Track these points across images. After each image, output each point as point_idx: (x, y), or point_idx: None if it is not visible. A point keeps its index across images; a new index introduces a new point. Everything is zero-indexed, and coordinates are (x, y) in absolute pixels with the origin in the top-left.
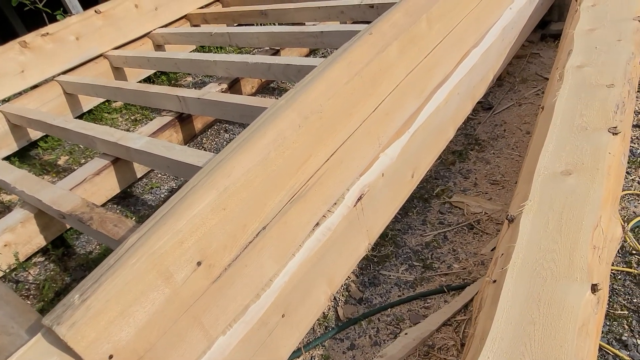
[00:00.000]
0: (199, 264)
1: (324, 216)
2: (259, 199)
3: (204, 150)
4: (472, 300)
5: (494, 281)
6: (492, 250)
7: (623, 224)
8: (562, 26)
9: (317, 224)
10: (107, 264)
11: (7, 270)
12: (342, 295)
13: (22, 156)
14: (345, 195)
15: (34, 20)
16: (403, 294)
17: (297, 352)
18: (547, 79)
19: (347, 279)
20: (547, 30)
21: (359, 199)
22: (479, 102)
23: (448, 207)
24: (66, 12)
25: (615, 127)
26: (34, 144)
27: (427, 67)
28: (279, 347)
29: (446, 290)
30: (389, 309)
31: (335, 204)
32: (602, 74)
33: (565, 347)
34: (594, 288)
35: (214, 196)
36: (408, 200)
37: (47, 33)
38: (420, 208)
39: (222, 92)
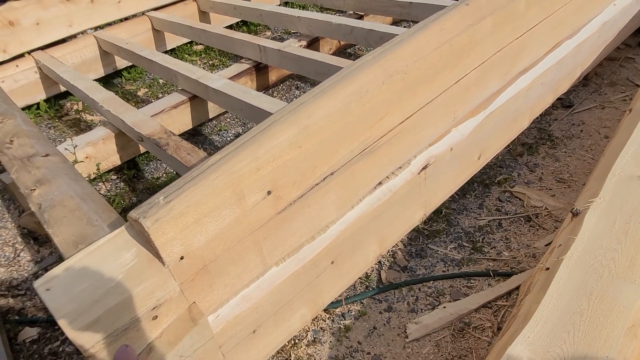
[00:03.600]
0: (269, 192)
1: (387, 177)
2: (333, 144)
3: None
4: (516, 288)
5: (547, 268)
6: (546, 245)
7: None
8: None
9: (380, 183)
10: (191, 176)
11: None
12: (387, 261)
13: (107, 83)
14: (412, 162)
15: None
16: (447, 270)
17: (336, 303)
18: (639, 86)
19: (395, 246)
20: None
21: (424, 168)
22: (559, 98)
23: (508, 196)
24: None
25: None
26: (118, 73)
27: (516, 49)
28: (323, 291)
29: (492, 275)
30: (431, 282)
31: (401, 167)
32: None
33: (610, 342)
34: None
35: (293, 132)
36: (468, 183)
37: None
38: (479, 192)
39: (301, 48)
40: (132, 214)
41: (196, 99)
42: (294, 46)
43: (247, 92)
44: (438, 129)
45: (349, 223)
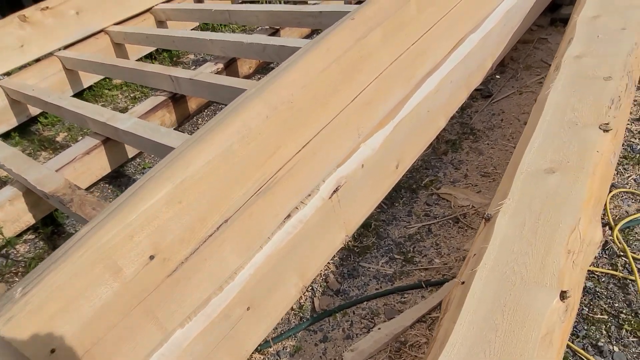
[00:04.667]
0: (151, 257)
1: (296, 208)
2: (221, 191)
3: None
4: (448, 294)
5: (463, 282)
6: None
7: (612, 223)
8: None
9: (289, 216)
10: (55, 256)
11: None
12: (320, 286)
13: (23, 131)
14: (320, 187)
15: None
16: (381, 287)
17: (268, 342)
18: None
19: (326, 269)
20: (557, 14)
21: (335, 191)
22: (478, 90)
23: (435, 198)
24: None
25: (607, 124)
26: (34, 119)
27: (415, 54)
28: (244, 340)
29: (424, 286)
30: (364, 302)
31: (310, 195)
32: (601, 65)
33: (525, 356)
34: (563, 295)
35: (168, 189)
36: (395, 190)
37: (47, 7)
38: (407, 198)
39: (218, 71)
40: None
41: (110, 141)
42: (207, 72)
43: (156, 130)
44: (343, 149)
45: (259, 265)
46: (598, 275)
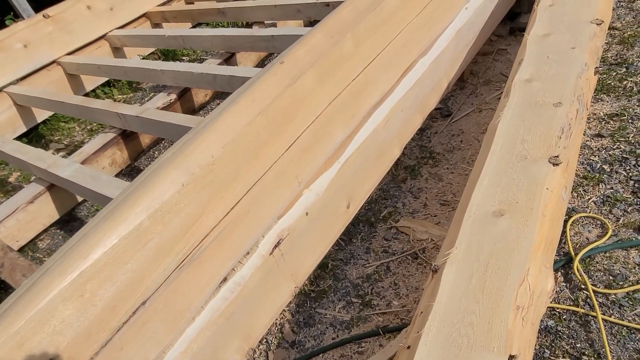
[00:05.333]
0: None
1: (233, 269)
2: (133, 274)
3: None
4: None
5: (408, 347)
6: None
7: (573, 254)
8: None
9: (225, 280)
10: None
11: None
12: (275, 337)
13: None
14: (259, 244)
15: None
16: (337, 335)
17: None
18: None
19: (282, 318)
20: (517, 23)
21: (276, 245)
22: (437, 109)
23: (394, 232)
24: (17, 17)
25: (557, 157)
26: None
27: (356, 90)
28: None
29: (381, 333)
30: (320, 355)
31: (248, 254)
32: (551, 89)
33: None
34: None
35: (64, 285)
36: (354, 225)
37: None
38: (366, 234)
39: (171, 102)
40: None
41: (55, 187)
42: (153, 108)
43: (96, 177)
44: (283, 200)
45: (192, 339)
46: (559, 312)
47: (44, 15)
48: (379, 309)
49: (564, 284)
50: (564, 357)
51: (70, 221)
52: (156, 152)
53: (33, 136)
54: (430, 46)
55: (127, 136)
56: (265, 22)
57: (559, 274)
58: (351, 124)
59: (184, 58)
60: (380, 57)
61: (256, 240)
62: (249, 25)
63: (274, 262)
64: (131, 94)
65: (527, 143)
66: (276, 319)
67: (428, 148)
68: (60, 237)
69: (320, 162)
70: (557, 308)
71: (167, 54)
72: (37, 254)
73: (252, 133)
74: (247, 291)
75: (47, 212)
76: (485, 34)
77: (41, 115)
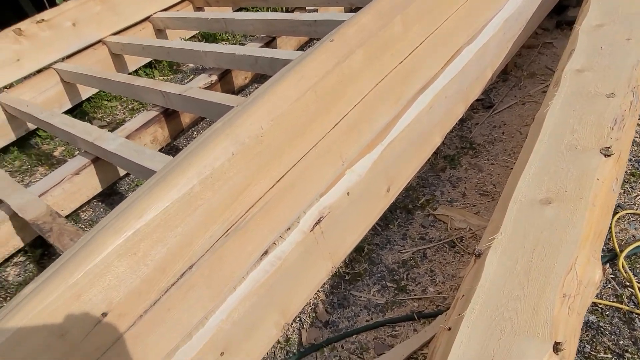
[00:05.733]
0: (104, 314)
1: (274, 243)
2: (183, 237)
3: None
4: (433, 338)
5: (449, 328)
6: None
7: (618, 250)
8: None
9: (266, 253)
10: None
11: None
12: (309, 317)
13: (22, 145)
14: (301, 220)
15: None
16: (371, 318)
17: None
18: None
19: (315, 298)
20: (564, 16)
21: (317, 223)
22: (479, 100)
23: (432, 220)
24: None
25: (609, 148)
26: (34, 132)
27: (403, 73)
28: None
29: (416, 318)
30: (354, 336)
31: (289, 229)
32: (604, 80)
33: None
34: (557, 347)
35: (121, 241)
36: (391, 211)
37: (43, 20)
38: (403, 220)
39: (212, 84)
40: None
41: (100, 160)
42: (196, 87)
43: (141, 152)
44: (326, 178)
45: (233, 307)
46: (602, 308)
47: None
48: (414, 295)
49: (607, 280)
50: (605, 353)
51: (111, 195)
52: (195, 133)
53: (77, 113)
54: (477, 34)
55: (168, 115)
56: (307, 7)
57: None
58: (396, 107)
59: (223, 42)
60: (427, 42)
61: (298, 216)
62: (289, 10)
63: (314, 239)
64: (171, 76)
65: (577, 133)
66: (310, 299)
67: (468, 138)
68: (101, 209)
69: (364, 144)
70: (600, 304)
71: (208, 38)
72: (80, 225)
73: (301, 108)
74: (286, 265)
75: (91, 184)
76: (532, 26)
77: (86, 92)
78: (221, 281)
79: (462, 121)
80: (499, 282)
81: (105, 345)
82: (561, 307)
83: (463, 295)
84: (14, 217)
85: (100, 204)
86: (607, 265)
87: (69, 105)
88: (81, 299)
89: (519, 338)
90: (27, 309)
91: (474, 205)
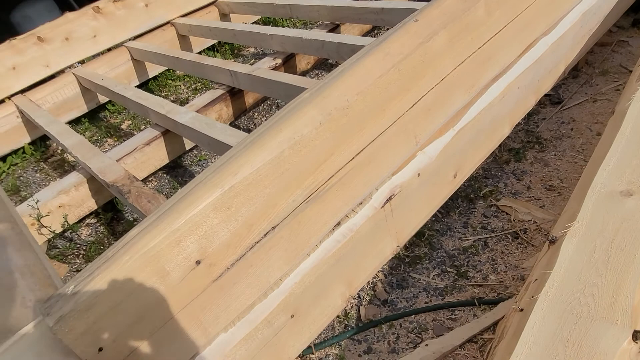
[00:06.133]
0: (198, 262)
1: (347, 216)
2: (269, 198)
3: (255, 125)
4: (503, 318)
5: (521, 309)
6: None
7: None
8: None
9: (339, 224)
10: (105, 257)
11: (55, 232)
12: (367, 294)
13: (92, 117)
14: (373, 195)
15: None
16: (430, 301)
17: (310, 349)
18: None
19: (374, 278)
20: None
21: (388, 200)
22: (547, 95)
23: (494, 210)
24: None
25: None
26: (103, 107)
27: (481, 59)
28: (286, 347)
29: (477, 304)
30: (412, 316)
31: (361, 203)
32: None
33: None
34: (636, 335)
35: (217, 195)
36: (451, 199)
37: None
38: (464, 209)
39: (276, 66)
40: (41, 307)
41: (169, 133)
42: (264, 68)
43: (212, 125)
44: (399, 157)
45: (306, 273)
46: None
47: None
48: (475, 281)
49: None
50: None
51: (175, 167)
52: (255, 114)
53: (144, 90)
54: (553, 26)
55: (233, 94)
56: None
57: None
58: (470, 93)
59: (250, 48)
60: (506, 29)
61: (370, 192)
62: None
63: (384, 216)
64: (232, 60)
65: None
66: (364, 285)
67: (535, 133)
68: (166, 180)
69: (437, 127)
70: None
71: (269, 24)
72: None
73: (384, 85)
74: (356, 239)
75: (159, 155)
76: (609, 22)
77: (153, 71)
78: (298, 246)
79: (528, 115)
80: (575, 269)
81: (195, 292)
82: None
83: (536, 279)
84: (91, 180)
85: (165, 175)
86: None
87: (136, 82)
88: (181, 245)
89: (596, 324)
90: (135, 248)
91: (539, 199)
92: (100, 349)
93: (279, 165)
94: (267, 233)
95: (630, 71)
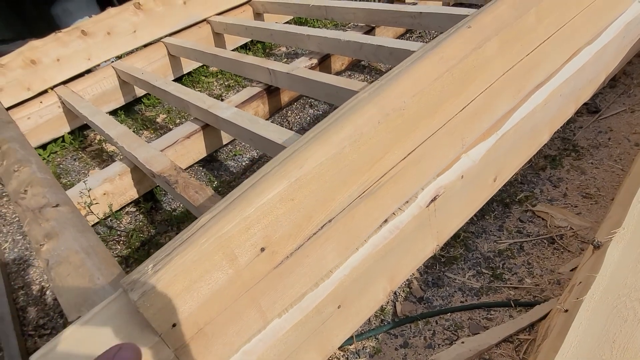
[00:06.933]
0: (262, 249)
1: (393, 214)
2: (328, 192)
3: (288, 123)
4: (539, 320)
5: (566, 310)
6: (571, 270)
7: None
8: None
9: (386, 221)
10: (180, 239)
11: (102, 218)
12: (403, 292)
13: (127, 110)
14: (419, 195)
15: None
16: (466, 300)
17: (350, 340)
18: None
19: (410, 275)
20: None
21: (432, 200)
22: (584, 104)
23: (530, 215)
24: None
25: None
26: (138, 100)
27: (528, 66)
28: (332, 335)
29: (513, 305)
30: (448, 314)
31: (408, 202)
32: None
33: None
34: None
35: (284, 186)
36: (487, 203)
37: None
38: (499, 212)
39: (312, 66)
40: (123, 283)
41: (208, 127)
42: (302, 67)
43: (255, 121)
44: (445, 159)
45: (354, 266)
46: None
47: None
48: (510, 283)
49: None
50: None
51: (211, 161)
52: (289, 112)
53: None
54: (597, 35)
55: (270, 92)
56: (406, 1)
57: None
58: (515, 98)
59: (282, 48)
60: (554, 37)
61: (416, 192)
62: (388, 1)
63: (428, 215)
64: (267, 58)
65: None
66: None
67: (571, 141)
68: (202, 173)
69: (482, 131)
70: None
71: (300, 24)
72: None
73: (438, 88)
74: (402, 236)
75: (197, 149)
76: None
77: (188, 67)
78: (349, 239)
79: (565, 123)
80: (621, 273)
81: (258, 277)
82: None
83: (580, 282)
84: (134, 170)
85: (201, 168)
86: None
87: (171, 78)
88: (249, 231)
89: None
90: (211, 232)
91: (576, 206)
92: (174, 325)
93: (339, 160)
94: (323, 225)
95: None
